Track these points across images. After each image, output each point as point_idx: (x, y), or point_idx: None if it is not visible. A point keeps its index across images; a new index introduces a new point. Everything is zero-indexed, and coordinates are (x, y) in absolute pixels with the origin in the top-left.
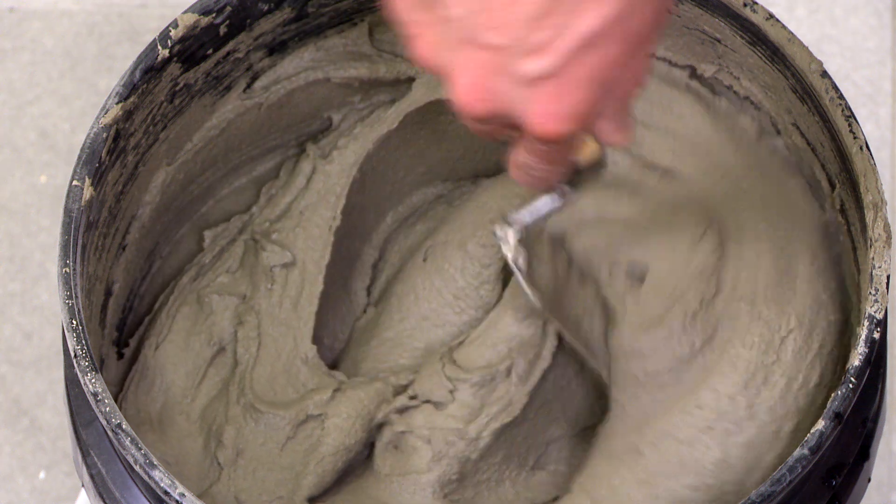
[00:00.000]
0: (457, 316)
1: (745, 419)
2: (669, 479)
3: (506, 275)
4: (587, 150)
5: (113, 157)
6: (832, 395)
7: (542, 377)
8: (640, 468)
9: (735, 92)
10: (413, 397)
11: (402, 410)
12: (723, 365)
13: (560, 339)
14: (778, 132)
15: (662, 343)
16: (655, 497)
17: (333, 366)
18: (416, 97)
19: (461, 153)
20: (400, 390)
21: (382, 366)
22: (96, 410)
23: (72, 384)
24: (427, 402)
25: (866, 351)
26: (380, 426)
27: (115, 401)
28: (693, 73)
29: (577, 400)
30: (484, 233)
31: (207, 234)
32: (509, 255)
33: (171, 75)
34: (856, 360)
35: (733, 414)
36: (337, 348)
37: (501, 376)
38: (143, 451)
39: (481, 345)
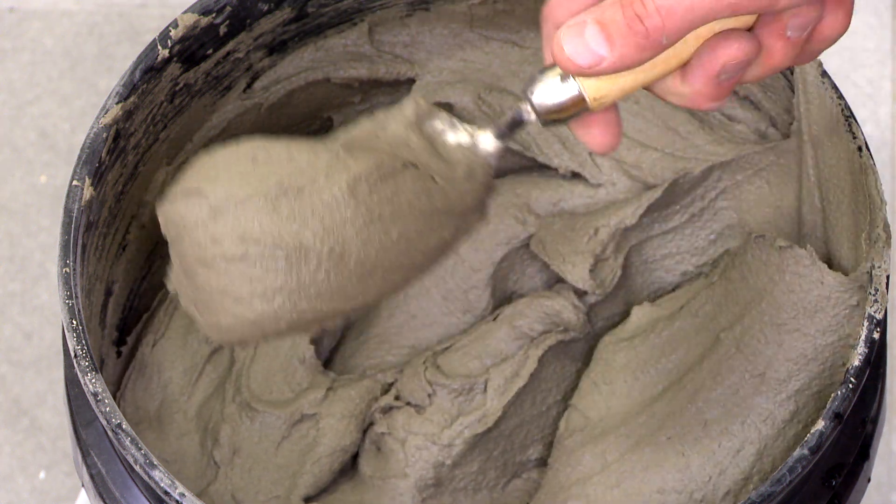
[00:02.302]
0: (444, 317)
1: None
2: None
3: (495, 283)
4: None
5: (113, 157)
6: (832, 395)
7: (517, 394)
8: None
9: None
10: (397, 397)
11: (386, 410)
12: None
13: (540, 362)
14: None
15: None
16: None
17: (329, 364)
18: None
19: None
20: (386, 388)
21: (369, 362)
22: (96, 410)
23: (72, 384)
24: (408, 403)
25: (866, 351)
26: (369, 426)
27: (114, 398)
28: None
29: (556, 425)
30: (477, 237)
31: None
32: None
33: (171, 75)
34: (855, 360)
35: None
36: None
37: (480, 388)
38: (143, 451)
39: (465, 354)
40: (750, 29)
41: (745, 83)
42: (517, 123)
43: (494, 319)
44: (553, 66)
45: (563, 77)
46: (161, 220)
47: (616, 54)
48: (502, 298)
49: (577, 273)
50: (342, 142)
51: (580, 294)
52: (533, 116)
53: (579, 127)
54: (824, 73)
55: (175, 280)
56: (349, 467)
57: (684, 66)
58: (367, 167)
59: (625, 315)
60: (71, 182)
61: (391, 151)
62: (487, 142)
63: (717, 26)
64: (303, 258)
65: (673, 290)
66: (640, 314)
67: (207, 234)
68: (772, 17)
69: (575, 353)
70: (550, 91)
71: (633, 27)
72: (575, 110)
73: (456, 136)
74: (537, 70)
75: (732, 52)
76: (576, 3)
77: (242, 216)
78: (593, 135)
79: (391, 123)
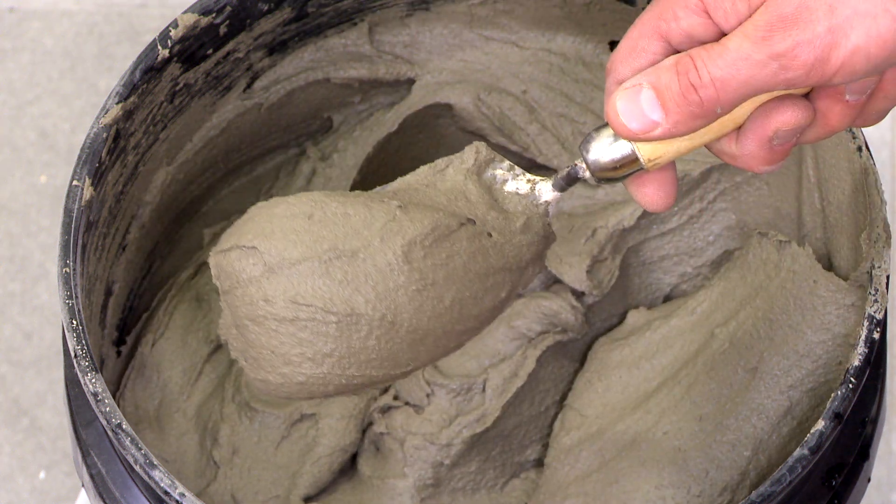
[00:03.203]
0: None
1: None
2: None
3: None
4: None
5: (113, 157)
6: (832, 395)
7: (516, 394)
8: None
9: None
10: (396, 397)
11: (385, 410)
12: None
13: (538, 362)
14: None
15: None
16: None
17: None
18: (416, 100)
19: None
20: (385, 388)
21: None
22: (96, 410)
23: (72, 384)
24: (406, 403)
25: (866, 351)
26: (368, 426)
27: (113, 398)
28: None
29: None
30: None
31: (207, 233)
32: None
33: (171, 75)
34: (856, 360)
35: None
36: None
37: (478, 388)
38: (143, 451)
39: (464, 354)
40: (807, 93)
41: (803, 143)
42: (573, 179)
43: None
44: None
45: (618, 136)
46: (213, 270)
47: (670, 122)
48: None
49: (574, 274)
50: (399, 194)
51: (578, 295)
52: (587, 173)
53: (632, 185)
54: None
55: (224, 329)
56: (349, 467)
57: (739, 129)
58: (422, 230)
59: (623, 316)
60: (71, 182)
61: (448, 207)
62: (546, 192)
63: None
64: (354, 324)
65: (671, 291)
66: (636, 317)
67: (260, 293)
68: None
69: (573, 353)
70: (605, 150)
71: (688, 97)
72: (629, 170)
73: (515, 184)
74: (594, 127)
75: (785, 118)
76: (640, 61)
77: (295, 278)
78: (646, 193)
79: (450, 171)
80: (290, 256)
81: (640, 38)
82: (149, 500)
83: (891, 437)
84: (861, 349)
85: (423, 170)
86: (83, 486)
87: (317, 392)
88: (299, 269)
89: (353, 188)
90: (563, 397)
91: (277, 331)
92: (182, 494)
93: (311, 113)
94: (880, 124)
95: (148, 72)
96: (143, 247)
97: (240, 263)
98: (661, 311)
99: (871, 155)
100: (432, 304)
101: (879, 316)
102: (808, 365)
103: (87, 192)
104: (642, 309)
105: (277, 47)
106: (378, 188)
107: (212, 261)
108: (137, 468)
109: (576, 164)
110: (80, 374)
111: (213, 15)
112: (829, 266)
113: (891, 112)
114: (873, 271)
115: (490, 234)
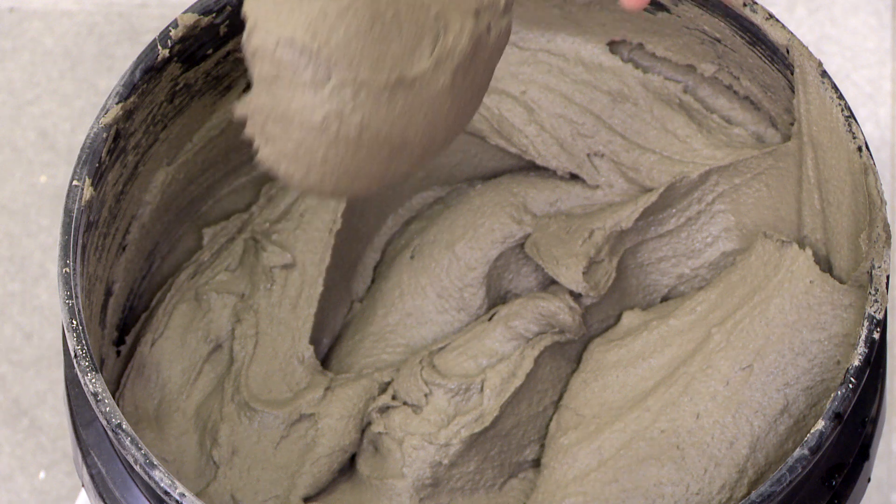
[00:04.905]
0: (439, 315)
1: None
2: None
3: (490, 282)
4: None
5: (113, 157)
6: (832, 395)
7: (514, 394)
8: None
9: (735, 91)
10: (394, 397)
11: (384, 410)
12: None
13: (536, 362)
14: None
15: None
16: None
17: (325, 363)
18: None
19: (459, 159)
20: (384, 388)
21: (365, 360)
22: (96, 410)
23: (72, 384)
24: (405, 403)
25: (866, 351)
26: (367, 426)
27: (114, 398)
28: (686, 89)
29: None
30: (473, 235)
31: (206, 232)
32: None
33: (171, 75)
34: (855, 360)
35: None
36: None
37: (476, 388)
38: (143, 451)
39: (461, 354)
40: None
41: None
42: None
43: (490, 319)
44: None
45: None
46: (255, 40)
47: None
48: (497, 297)
49: (571, 275)
50: None
51: (576, 296)
52: None
53: None
54: (824, 73)
55: (253, 103)
56: (348, 467)
57: None
58: (462, 50)
59: (620, 318)
60: (71, 182)
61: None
62: None
63: None
64: (402, 152)
65: (668, 292)
66: (632, 318)
67: (319, 106)
68: None
69: (570, 354)
70: None
71: None
72: None
73: None
74: None
75: None
76: None
77: (360, 102)
78: None
79: None
80: (358, 77)
81: None
82: (149, 500)
83: (891, 437)
84: (861, 349)
85: None
86: (83, 486)
87: (338, 194)
88: (365, 92)
89: None
90: (561, 398)
91: (330, 146)
92: (182, 494)
93: None
94: (880, 124)
95: (148, 72)
96: (143, 247)
97: (295, 64)
98: (658, 312)
99: (871, 155)
100: (461, 121)
101: (879, 316)
102: (803, 363)
103: (87, 192)
104: (637, 310)
105: None
106: None
107: (254, 39)
108: (137, 468)
109: None
110: (80, 374)
111: (213, 15)
112: (828, 267)
113: (891, 112)
114: (873, 271)
115: (489, 31)
